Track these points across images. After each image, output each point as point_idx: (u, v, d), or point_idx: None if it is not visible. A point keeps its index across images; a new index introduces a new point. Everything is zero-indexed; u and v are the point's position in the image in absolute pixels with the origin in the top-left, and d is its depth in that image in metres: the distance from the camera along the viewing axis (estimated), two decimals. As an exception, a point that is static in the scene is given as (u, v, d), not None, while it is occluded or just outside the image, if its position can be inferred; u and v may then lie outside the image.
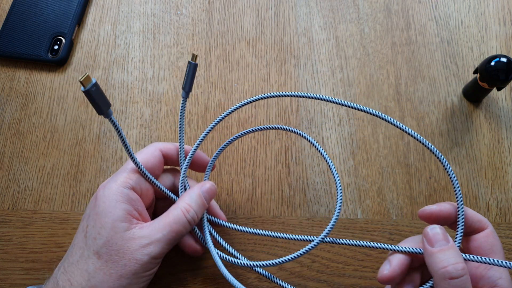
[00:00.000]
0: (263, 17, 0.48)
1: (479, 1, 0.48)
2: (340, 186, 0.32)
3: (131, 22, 0.48)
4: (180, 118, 0.33)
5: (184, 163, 0.34)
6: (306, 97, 0.31)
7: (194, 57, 0.31)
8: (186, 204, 0.31)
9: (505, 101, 0.44)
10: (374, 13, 0.48)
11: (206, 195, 0.32)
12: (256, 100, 0.33)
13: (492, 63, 0.38)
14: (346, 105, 0.30)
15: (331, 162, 0.33)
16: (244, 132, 0.37)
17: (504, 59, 0.37)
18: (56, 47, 0.45)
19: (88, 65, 0.45)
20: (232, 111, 0.34)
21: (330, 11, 0.48)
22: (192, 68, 0.31)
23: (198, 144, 0.34)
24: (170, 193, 0.34)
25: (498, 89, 0.39)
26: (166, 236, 0.29)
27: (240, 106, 0.33)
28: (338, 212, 0.31)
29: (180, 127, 0.33)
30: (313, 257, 0.37)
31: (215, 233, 0.34)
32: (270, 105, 0.44)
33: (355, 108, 0.30)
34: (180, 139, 0.33)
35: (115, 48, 0.46)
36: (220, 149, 0.36)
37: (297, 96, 0.32)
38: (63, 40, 0.46)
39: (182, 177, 0.34)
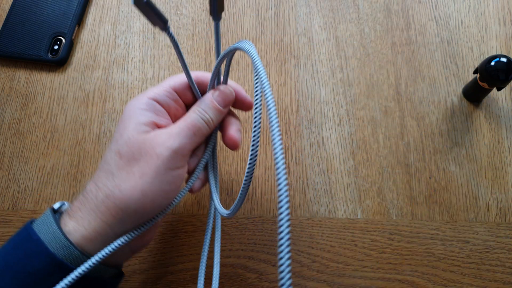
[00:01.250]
0: (263, 17, 0.48)
1: (479, 1, 0.48)
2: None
3: (131, 22, 0.48)
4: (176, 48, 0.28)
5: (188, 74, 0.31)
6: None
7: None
8: (198, 105, 0.30)
9: (505, 101, 0.44)
10: (374, 13, 0.48)
11: (218, 98, 0.31)
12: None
13: (492, 63, 0.38)
14: None
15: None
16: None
17: (504, 59, 0.37)
18: (56, 47, 0.45)
19: (88, 65, 0.45)
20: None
21: (330, 11, 0.48)
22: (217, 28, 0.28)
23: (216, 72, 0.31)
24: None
25: (498, 89, 0.39)
26: (184, 130, 0.29)
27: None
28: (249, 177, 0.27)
29: (180, 56, 0.29)
30: (313, 257, 0.37)
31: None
32: (270, 105, 0.44)
33: None
34: (184, 68, 0.30)
35: (115, 48, 0.46)
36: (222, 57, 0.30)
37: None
38: (63, 40, 0.46)
39: (192, 84, 0.31)
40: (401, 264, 0.37)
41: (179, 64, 0.46)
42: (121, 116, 0.29)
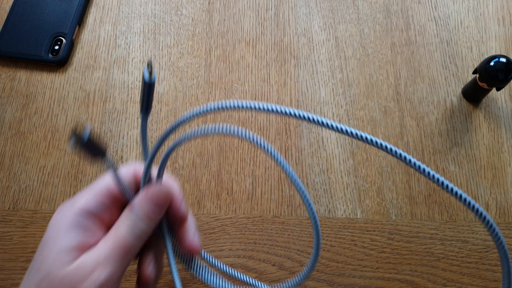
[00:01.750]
0: (263, 17, 0.48)
1: (479, 2, 0.48)
2: None
3: (131, 23, 0.48)
4: (142, 139, 0.26)
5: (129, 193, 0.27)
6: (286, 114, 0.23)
7: (150, 68, 0.23)
8: (127, 218, 0.25)
9: (504, 101, 0.44)
10: (374, 14, 0.48)
11: (149, 204, 0.26)
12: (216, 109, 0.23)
13: (492, 63, 0.38)
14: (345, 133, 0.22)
15: None
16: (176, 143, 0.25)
17: (503, 59, 0.37)
18: (56, 47, 0.45)
19: (89, 65, 0.46)
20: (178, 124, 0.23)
21: (330, 11, 0.48)
22: (147, 88, 0.23)
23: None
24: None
25: (498, 89, 0.39)
26: (112, 255, 0.24)
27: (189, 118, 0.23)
28: None
29: (144, 149, 0.26)
30: (313, 256, 0.37)
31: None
32: (270, 105, 0.44)
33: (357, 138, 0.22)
34: (146, 158, 0.26)
35: (116, 49, 0.46)
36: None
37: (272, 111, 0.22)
38: (64, 40, 0.46)
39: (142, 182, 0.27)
40: (400, 264, 0.37)
41: (180, 65, 0.46)
42: (45, 233, 0.24)
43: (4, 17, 0.47)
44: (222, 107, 0.22)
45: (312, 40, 0.47)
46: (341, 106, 0.44)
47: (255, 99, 0.44)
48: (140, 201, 0.26)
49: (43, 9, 0.47)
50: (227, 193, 0.40)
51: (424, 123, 0.43)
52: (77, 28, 0.47)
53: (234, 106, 0.22)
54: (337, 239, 0.38)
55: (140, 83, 0.26)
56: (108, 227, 0.26)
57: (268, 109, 0.22)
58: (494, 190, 0.40)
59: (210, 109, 0.22)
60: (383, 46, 0.46)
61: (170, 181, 0.28)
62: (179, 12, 0.48)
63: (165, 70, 0.45)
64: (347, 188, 0.40)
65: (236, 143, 0.42)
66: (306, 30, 0.47)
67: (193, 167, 0.41)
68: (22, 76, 0.45)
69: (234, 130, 0.22)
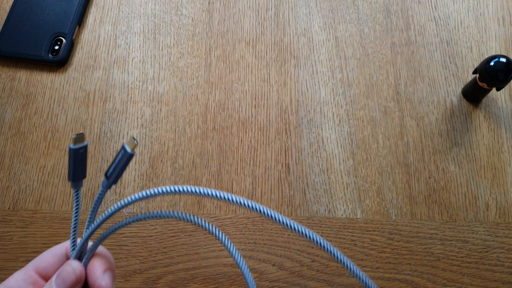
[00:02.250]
0: (263, 17, 0.48)
1: (479, 2, 0.48)
2: None
3: (131, 23, 0.48)
4: (92, 209, 0.24)
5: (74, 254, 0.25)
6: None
7: (133, 144, 0.21)
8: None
9: (504, 101, 0.44)
10: (374, 14, 0.48)
11: (60, 282, 0.24)
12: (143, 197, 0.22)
13: (492, 63, 0.38)
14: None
15: None
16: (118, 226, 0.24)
17: (503, 59, 0.37)
18: (56, 47, 0.45)
19: (89, 65, 0.46)
20: (114, 211, 0.23)
21: (330, 11, 0.48)
22: (126, 158, 0.22)
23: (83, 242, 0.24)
24: None
25: (497, 89, 0.39)
26: None
27: (123, 206, 0.22)
28: None
29: (75, 220, 0.24)
30: (313, 256, 0.37)
31: None
32: (270, 105, 0.44)
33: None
34: (73, 230, 0.25)
35: (116, 49, 0.46)
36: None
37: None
38: (64, 40, 0.46)
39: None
40: (400, 264, 0.37)
41: (180, 65, 0.46)
42: None
43: (4, 17, 0.47)
44: (151, 194, 0.21)
45: (312, 40, 0.47)
46: (341, 106, 0.44)
47: (255, 99, 0.44)
48: (51, 282, 0.24)
49: (43, 9, 0.47)
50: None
51: (424, 123, 0.43)
52: (77, 28, 0.47)
53: (173, 191, 0.21)
54: (337, 239, 0.38)
55: (117, 152, 0.23)
56: None
57: (207, 194, 0.22)
58: (494, 190, 0.40)
59: (142, 197, 0.21)
60: (383, 46, 0.46)
61: (102, 255, 0.26)
62: (179, 12, 0.48)
63: (165, 70, 0.45)
64: (347, 188, 0.40)
65: (236, 143, 0.42)
66: (306, 30, 0.47)
67: (193, 167, 0.41)
68: (22, 76, 0.45)
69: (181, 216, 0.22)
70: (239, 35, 0.47)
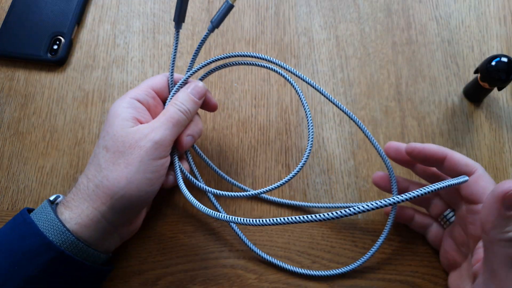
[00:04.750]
0: (263, 16, 0.48)
1: (480, 1, 0.48)
2: (311, 122, 0.35)
3: (130, 22, 0.47)
4: (197, 48, 0.35)
5: (173, 87, 0.36)
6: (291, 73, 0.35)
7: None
8: (175, 99, 0.34)
9: (506, 101, 0.44)
10: (375, 13, 0.48)
11: (193, 91, 0.34)
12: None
13: (493, 63, 0.37)
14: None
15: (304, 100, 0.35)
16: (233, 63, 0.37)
17: (504, 59, 0.37)
18: (55, 46, 0.45)
19: (88, 65, 0.45)
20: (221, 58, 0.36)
21: (331, 10, 0.48)
22: (227, 7, 0.33)
23: (189, 75, 0.36)
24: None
25: (499, 89, 0.39)
26: (164, 123, 0.32)
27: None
28: (309, 151, 0.34)
29: (173, 56, 0.34)
30: (314, 257, 0.37)
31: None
32: (270, 105, 0.44)
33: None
34: (171, 65, 0.35)
35: (115, 48, 0.46)
36: (195, 53, 0.36)
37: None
38: (63, 39, 0.45)
39: (171, 83, 0.36)
40: (401, 265, 0.37)
41: (179, 64, 0.45)
42: (107, 116, 0.32)
43: (3, 17, 0.47)
44: None
45: (313, 39, 0.46)
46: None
47: (255, 99, 0.44)
48: (185, 89, 0.35)
49: (42, 9, 0.47)
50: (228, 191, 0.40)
51: (425, 123, 0.43)
52: (76, 27, 0.47)
53: None
54: (338, 240, 0.38)
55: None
56: (154, 115, 0.34)
57: None
58: (495, 190, 0.40)
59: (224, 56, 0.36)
60: (384, 45, 0.46)
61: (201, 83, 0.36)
62: (178, 11, 0.48)
63: (164, 69, 0.45)
64: (347, 188, 0.40)
65: (236, 143, 0.42)
66: (306, 29, 0.47)
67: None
68: (21, 75, 0.45)
69: None
70: (239, 34, 0.47)
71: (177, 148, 0.35)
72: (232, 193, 0.34)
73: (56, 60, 0.45)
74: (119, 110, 0.32)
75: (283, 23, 0.47)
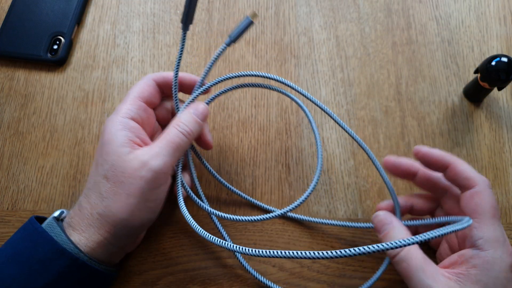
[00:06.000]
0: (263, 16, 0.48)
1: (480, 1, 0.48)
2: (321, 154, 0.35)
3: (130, 22, 0.47)
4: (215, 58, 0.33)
5: (175, 87, 0.34)
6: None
7: (254, 16, 0.33)
8: (178, 120, 0.33)
9: (506, 101, 0.44)
10: (375, 13, 0.48)
11: (196, 112, 0.33)
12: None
13: (493, 63, 0.37)
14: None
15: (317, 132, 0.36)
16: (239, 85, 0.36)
17: (504, 59, 0.37)
18: (55, 46, 0.45)
19: (88, 65, 0.45)
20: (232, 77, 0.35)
21: (331, 10, 0.48)
22: (247, 24, 0.32)
23: (204, 74, 0.35)
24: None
25: (499, 89, 0.39)
26: (165, 148, 0.31)
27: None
28: (316, 183, 0.33)
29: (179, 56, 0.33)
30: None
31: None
32: (270, 105, 0.44)
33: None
34: (176, 65, 0.34)
35: (115, 48, 0.46)
36: (209, 67, 0.34)
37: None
38: (63, 39, 0.45)
39: (175, 100, 0.35)
40: (401, 265, 0.37)
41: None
42: (100, 139, 0.32)
43: (3, 16, 0.47)
44: None
45: (313, 39, 0.46)
46: (342, 106, 0.43)
47: (255, 99, 0.44)
48: (190, 110, 0.34)
49: (42, 9, 0.47)
50: (227, 193, 0.40)
51: (425, 123, 0.43)
52: (76, 27, 0.47)
53: None
54: (338, 240, 0.38)
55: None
56: (148, 129, 0.34)
57: None
58: (495, 190, 0.40)
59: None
60: (384, 45, 0.46)
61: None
62: (178, 11, 0.48)
63: (164, 69, 0.45)
64: (348, 188, 0.40)
65: (236, 143, 0.42)
66: (306, 29, 0.47)
67: (192, 167, 0.41)
68: (21, 75, 0.45)
69: None
70: (239, 34, 0.47)
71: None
72: (236, 217, 0.32)
73: (56, 60, 0.45)
74: (114, 135, 0.31)
75: (283, 23, 0.47)
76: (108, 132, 0.31)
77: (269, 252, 0.26)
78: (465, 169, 0.30)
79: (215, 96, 0.37)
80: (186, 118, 0.33)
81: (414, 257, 0.29)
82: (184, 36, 0.32)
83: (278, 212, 0.33)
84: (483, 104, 0.43)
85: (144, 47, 0.46)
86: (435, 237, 0.25)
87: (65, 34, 0.46)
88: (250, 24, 0.32)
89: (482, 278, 0.27)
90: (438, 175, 0.34)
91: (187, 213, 0.32)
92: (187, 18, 0.31)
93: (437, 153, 0.32)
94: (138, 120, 0.32)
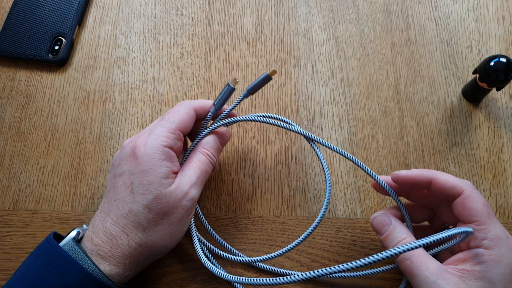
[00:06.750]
0: (263, 17, 0.48)
1: (479, 2, 0.48)
2: (329, 185, 0.35)
3: (131, 23, 0.48)
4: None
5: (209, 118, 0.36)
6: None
7: (234, 82, 0.35)
8: (204, 148, 0.34)
9: (504, 101, 0.44)
10: (374, 14, 0.48)
11: (221, 140, 0.36)
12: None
13: (492, 63, 0.38)
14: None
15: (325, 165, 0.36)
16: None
17: (503, 59, 0.37)
18: (56, 47, 0.45)
19: (89, 65, 0.46)
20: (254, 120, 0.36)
21: (330, 11, 0.48)
22: (229, 91, 0.35)
23: (233, 106, 0.36)
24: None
25: (498, 89, 0.39)
26: (200, 177, 0.33)
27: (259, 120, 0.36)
28: (324, 212, 0.34)
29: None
30: (313, 256, 0.37)
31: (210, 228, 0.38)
32: (270, 105, 0.44)
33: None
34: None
35: (116, 49, 0.46)
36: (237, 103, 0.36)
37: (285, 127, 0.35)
38: (64, 40, 0.46)
39: (204, 124, 0.36)
40: (400, 264, 0.37)
41: (180, 65, 0.46)
42: (139, 163, 0.31)
43: (4, 17, 0.47)
44: None
45: (312, 40, 0.47)
46: (341, 106, 0.44)
47: (255, 99, 0.44)
48: (215, 138, 0.35)
49: (43, 9, 0.47)
50: (227, 193, 0.40)
51: (424, 123, 0.43)
52: (77, 28, 0.47)
53: None
54: (337, 239, 0.38)
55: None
56: (178, 153, 0.34)
57: None
58: (494, 190, 0.40)
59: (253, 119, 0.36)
60: (383, 46, 0.46)
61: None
62: (179, 12, 0.48)
63: (165, 70, 0.45)
64: (347, 188, 0.40)
65: (236, 143, 0.42)
66: (306, 30, 0.47)
67: (193, 167, 0.41)
68: (22, 76, 0.45)
69: None
70: (239, 35, 0.47)
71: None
72: (254, 280, 0.30)
73: (57, 60, 0.45)
74: (156, 165, 0.31)
75: (283, 24, 0.48)
76: (148, 160, 0.31)
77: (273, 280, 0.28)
78: (447, 179, 0.30)
79: (236, 121, 0.36)
80: (213, 145, 0.35)
81: (417, 254, 0.29)
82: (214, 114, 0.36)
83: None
84: (481, 104, 0.44)
85: (145, 47, 0.46)
86: (443, 238, 0.26)
87: (66, 34, 0.46)
88: (267, 78, 0.34)
89: (487, 275, 0.27)
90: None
91: (203, 256, 0.35)
92: (219, 103, 0.35)
93: (415, 173, 0.31)
94: (175, 149, 0.33)
